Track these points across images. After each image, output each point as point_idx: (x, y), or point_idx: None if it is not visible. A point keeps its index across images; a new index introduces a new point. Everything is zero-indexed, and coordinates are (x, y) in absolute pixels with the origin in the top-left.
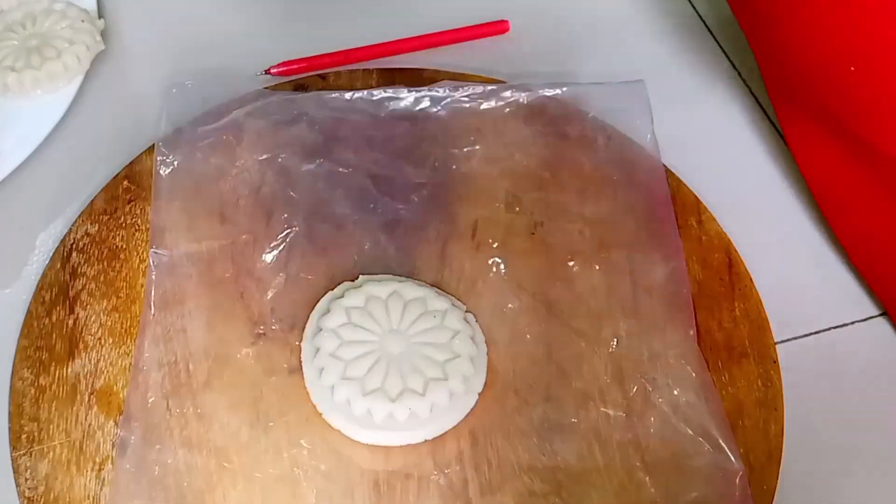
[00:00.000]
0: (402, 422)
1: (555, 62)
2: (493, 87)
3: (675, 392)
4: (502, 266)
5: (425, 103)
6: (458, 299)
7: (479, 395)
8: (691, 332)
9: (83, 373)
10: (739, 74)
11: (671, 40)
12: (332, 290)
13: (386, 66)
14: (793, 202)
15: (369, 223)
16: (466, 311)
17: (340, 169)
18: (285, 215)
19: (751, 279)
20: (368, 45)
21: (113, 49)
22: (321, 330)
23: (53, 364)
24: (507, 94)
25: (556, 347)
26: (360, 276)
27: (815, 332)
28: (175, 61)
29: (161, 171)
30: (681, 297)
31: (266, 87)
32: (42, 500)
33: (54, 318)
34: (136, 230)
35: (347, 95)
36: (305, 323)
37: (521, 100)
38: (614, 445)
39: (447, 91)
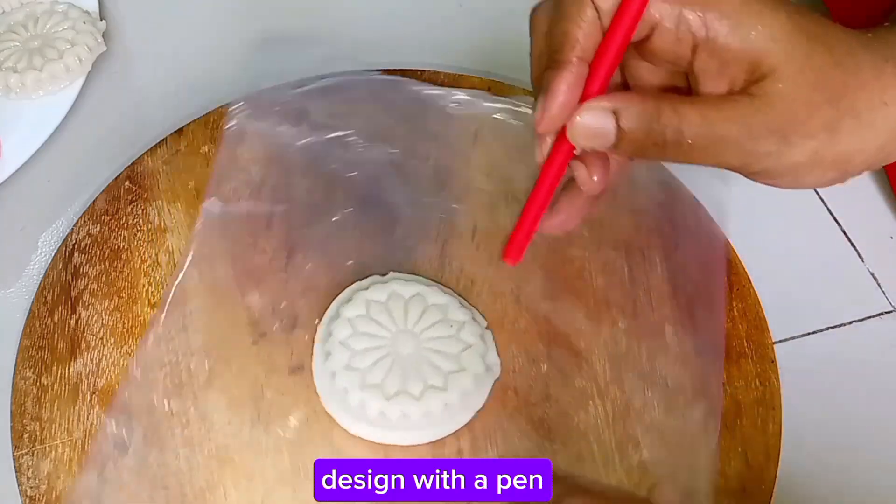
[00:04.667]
0: (415, 420)
1: None
2: (492, 86)
3: (673, 390)
4: (502, 266)
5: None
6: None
7: (478, 412)
8: (690, 331)
9: (85, 372)
10: None
11: None
12: (360, 280)
13: (386, 66)
14: (791, 201)
15: (369, 223)
16: (486, 328)
17: (339, 170)
18: (285, 216)
19: (749, 279)
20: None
21: (114, 50)
22: (339, 316)
23: (55, 364)
24: (506, 97)
25: (555, 347)
26: (391, 272)
27: (813, 332)
28: (175, 62)
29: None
30: (679, 296)
31: (266, 89)
32: (44, 499)
33: (56, 317)
34: (137, 230)
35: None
36: (306, 323)
37: (518, 101)
38: (613, 445)
39: (450, 90)
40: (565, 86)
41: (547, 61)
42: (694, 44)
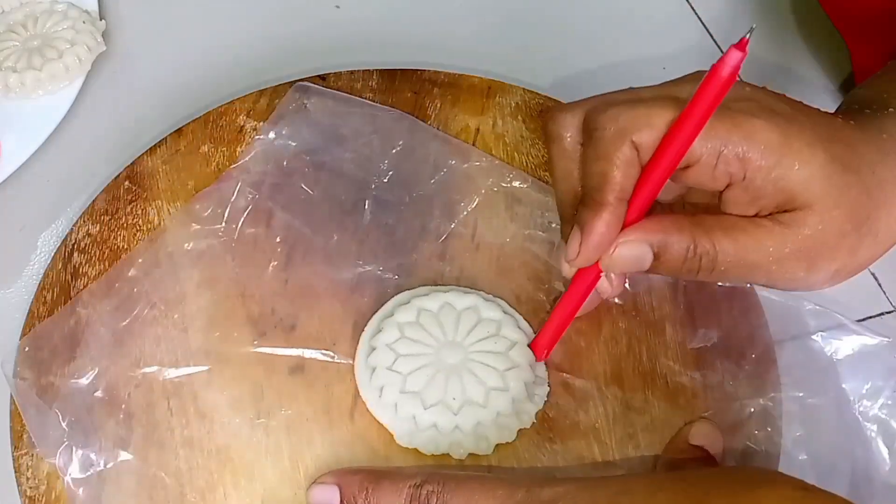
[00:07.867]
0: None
1: (553, 59)
2: (493, 85)
3: (673, 390)
4: (502, 267)
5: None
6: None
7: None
8: (688, 331)
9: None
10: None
11: (669, 37)
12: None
13: (386, 66)
14: None
15: (369, 223)
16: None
17: (340, 169)
18: (286, 215)
19: None
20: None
21: (114, 50)
22: (375, 349)
23: (55, 364)
24: (508, 94)
25: (555, 347)
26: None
27: (813, 333)
28: (175, 62)
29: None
30: (679, 296)
31: (265, 89)
32: (44, 499)
33: (56, 317)
34: (137, 231)
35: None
36: (306, 322)
37: (518, 99)
38: (613, 445)
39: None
40: (604, 227)
41: (583, 198)
42: (730, 182)
